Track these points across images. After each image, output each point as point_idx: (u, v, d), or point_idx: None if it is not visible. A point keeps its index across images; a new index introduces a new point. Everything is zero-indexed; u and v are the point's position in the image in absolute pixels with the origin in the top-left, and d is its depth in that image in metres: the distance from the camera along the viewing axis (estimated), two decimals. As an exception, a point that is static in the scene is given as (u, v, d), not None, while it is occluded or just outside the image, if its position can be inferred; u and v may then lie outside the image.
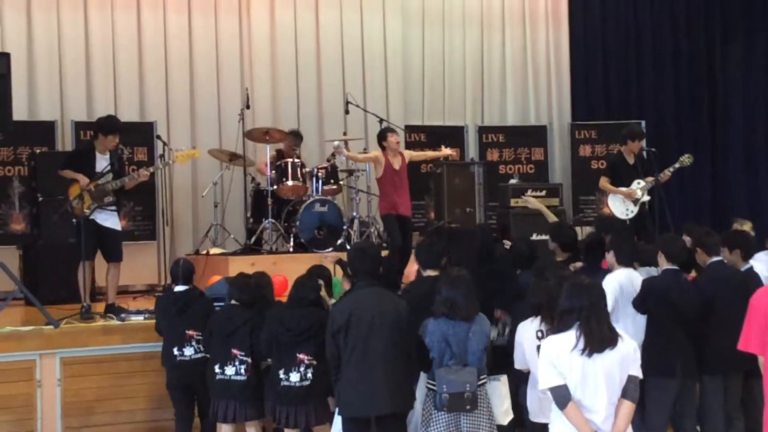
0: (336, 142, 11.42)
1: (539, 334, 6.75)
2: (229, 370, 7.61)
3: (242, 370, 7.59)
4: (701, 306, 7.47)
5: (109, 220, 9.67)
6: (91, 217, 9.50)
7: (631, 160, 11.25)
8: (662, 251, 7.63)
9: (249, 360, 7.59)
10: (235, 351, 7.60)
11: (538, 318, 6.81)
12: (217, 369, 7.66)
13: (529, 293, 7.04)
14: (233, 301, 7.88)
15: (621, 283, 7.61)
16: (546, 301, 6.64)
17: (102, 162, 9.63)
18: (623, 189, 11.10)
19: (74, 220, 9.50)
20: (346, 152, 11.34)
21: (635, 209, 11.08)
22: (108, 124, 9.83)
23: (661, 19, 15.81)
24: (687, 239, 8.54)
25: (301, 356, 7.20)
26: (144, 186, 10.39)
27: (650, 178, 11.02)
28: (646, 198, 11.12)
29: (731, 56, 15.95)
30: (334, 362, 6.63)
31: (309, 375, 7.19)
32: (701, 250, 7.96)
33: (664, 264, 7.59)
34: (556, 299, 6.66)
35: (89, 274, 9.67)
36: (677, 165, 11.29)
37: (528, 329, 6.86)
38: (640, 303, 7.52)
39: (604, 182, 11.32)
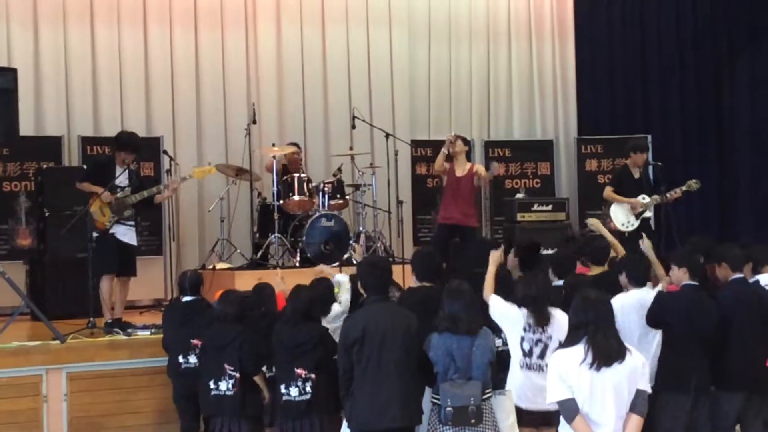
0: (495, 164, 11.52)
1: (526, 327, 6.94)
2: (223, 385, 7.63)
3: (230, 385, 7.60)
4: (721, 321, 7.39)
5: (128, 234, 9.75)
6: (111, 231, 9.55)
7: (636, 174, 11.27)
8: (686, 267, 7.56)
9: (237, 375, 7.60)
10: (226, 366, 7.62)
11: (525, 310, 6.95)
12: (211, 384, 7.67)
13: (519, 285, 7.13)
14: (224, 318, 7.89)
15: (623, 304, 7.56)
16: (535, 293, 6.88)
17: (121, 175, 9.68)
18: (629, 199, 11.11)
19: (95, 234, 9.51)
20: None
21: (636, 223, 11.09)
22: (130, 143, 9.89)
23: (667, 34, 15.82)
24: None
25: (299, 371, 7.22)
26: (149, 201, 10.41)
27: (656, 196, 11.03)
28: (649, 214, 11.10)
29: (738, 71, 15.95)
30: (345, 375, 6.63)
31: (308, 389, 7.20)
32: (728, 265, 7.88)
33: (685, 279, 7.53)
34: (546, 292, 6.77)
35: (108, 289, 9.69)
36: (684, 188, 11.28)
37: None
38: (654, 318, 7.47)
39: (609, 192, 11.36)
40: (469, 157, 11.85)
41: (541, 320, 6.93)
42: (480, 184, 11.74)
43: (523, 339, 6.95)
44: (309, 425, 7.23)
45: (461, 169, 11.26)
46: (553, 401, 5.53)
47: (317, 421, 7.24)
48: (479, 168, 11.61)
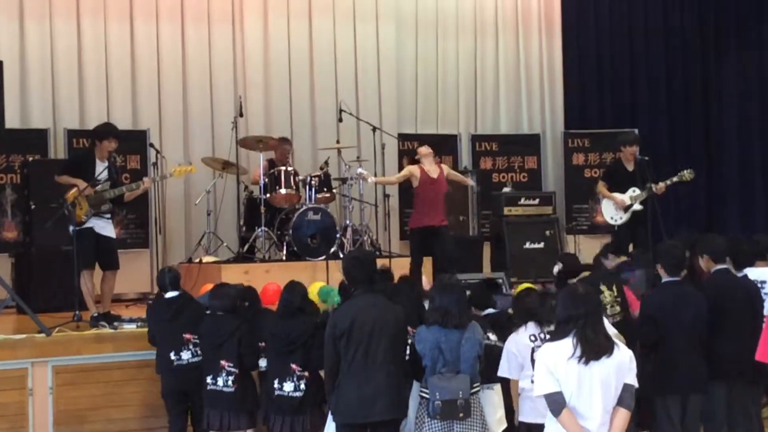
0: (359, 169, 11.43)
1: (532, 338, 6.82)
2: (220, 381, 7.60)
3: (230, 382, 7.57)
4: (707, 312, 7.35)
5: (107, 228, 9.68)
6: (89, 224, 9.49)
7: (630, 167, 11.26)
8: (660, 263, 7.52)
9: (236, 371, 7.57)
10: (223, 362, 7.58)
11: (530, 324, 6.83)
12: (209, 380, 7.64)
13: (516, 302, 7.06)
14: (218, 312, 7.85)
15: None
16: (539, 305, 6.72)
17: (101, 168, 9.64)
18: (616, 195, 11.14)
19: (71, 227, 9.45)
20: (373, 178, 11.42)
21: (625, 217, 11.11)
22: (104, 130, 9.87)
23: (654, 28, 15.84)
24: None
25: (293, 366, 7.22)
26: (137, 194, 10.38)
27: (645, 191, 11.03)
28: (638, 207, 11.10)
29: (725, 66, 15.98)
30: (332, 368, 6.62)
31: (302, 385, 7.22)
32: (709, 257, 7.82)
33: (664, 276, 7.50)
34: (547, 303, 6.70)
35: (89, 283, 9.63)
36: (675, 179, 11.26)
37: (521, 338, 6.87)
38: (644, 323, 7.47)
39: (600, 187, 11.40)
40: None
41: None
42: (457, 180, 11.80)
43: (533, 351, 6.74)
44: (300, 422, 7.25)
45: (434, 170, 11.12)
46: (540, 394, 5.53)
47: (307, 418, 7.27)
48: (448, 170, 11.53)
